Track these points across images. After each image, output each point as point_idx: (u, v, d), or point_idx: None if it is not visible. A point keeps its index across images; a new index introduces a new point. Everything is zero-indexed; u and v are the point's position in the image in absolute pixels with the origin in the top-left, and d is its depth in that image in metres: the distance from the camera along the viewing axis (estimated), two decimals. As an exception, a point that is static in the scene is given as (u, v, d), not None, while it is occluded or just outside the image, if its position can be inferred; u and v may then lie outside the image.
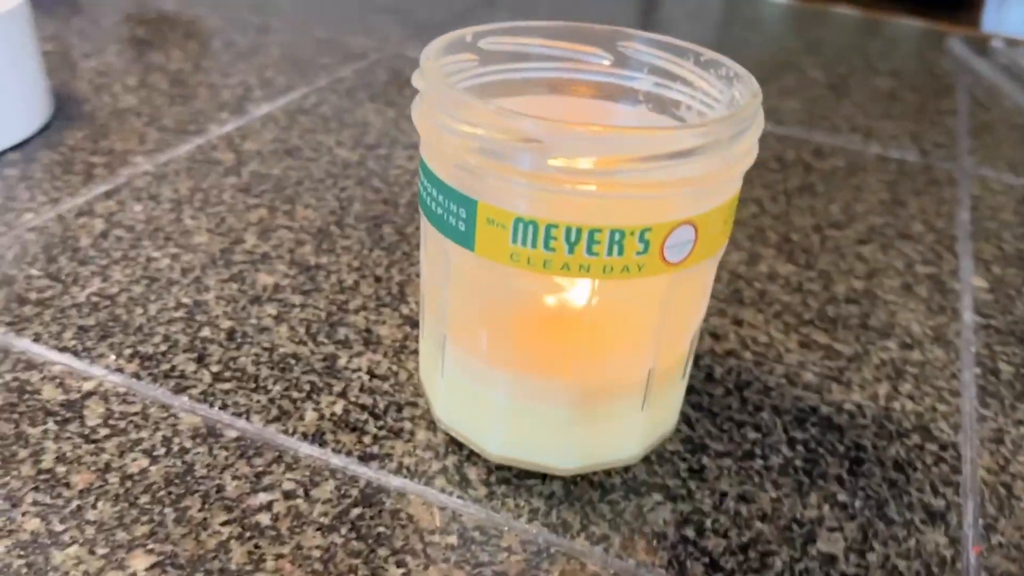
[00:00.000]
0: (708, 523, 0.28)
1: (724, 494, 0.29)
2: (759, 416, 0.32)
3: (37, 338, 0.33)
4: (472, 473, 0.29)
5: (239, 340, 0.34)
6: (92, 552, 0.25)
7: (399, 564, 0.25)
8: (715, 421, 0.32)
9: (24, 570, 0.24)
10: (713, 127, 0.23)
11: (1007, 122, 0.62)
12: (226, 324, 0.35)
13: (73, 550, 0.25)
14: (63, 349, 0.32)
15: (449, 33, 0.28)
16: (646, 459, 0.30)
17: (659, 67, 0.30)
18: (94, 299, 0.35)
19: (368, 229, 0.42)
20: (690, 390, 0.33)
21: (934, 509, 0.29)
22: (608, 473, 0.29)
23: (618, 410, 0.28)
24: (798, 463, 0.30)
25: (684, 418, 0.32)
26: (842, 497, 0.29)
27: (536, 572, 0.25)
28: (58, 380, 0.31)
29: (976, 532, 0.28)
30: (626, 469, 0.29)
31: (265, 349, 0.33)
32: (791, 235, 0.45)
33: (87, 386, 0.31)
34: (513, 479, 0.29)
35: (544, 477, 0.29)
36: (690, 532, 0.27)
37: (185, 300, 0.36)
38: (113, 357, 0.32)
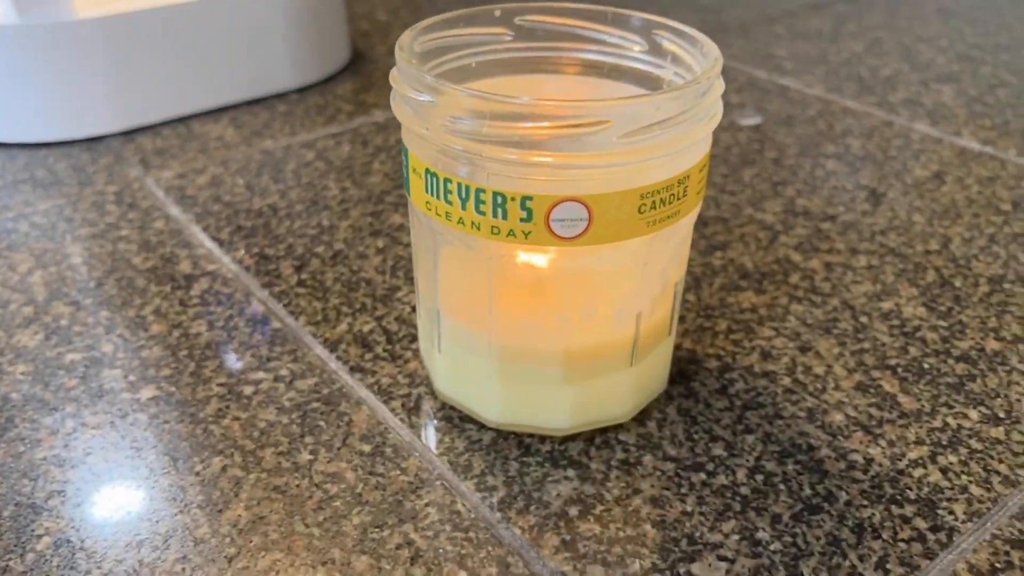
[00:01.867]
0: (599, 509, 0.28)
1: (639, 491, 0.28)
2: (741, 438, 0.30)
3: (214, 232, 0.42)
4: (427, 405, 0.32)
5: (337, 260, 0.40)
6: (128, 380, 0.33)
7: (312, 452, 0.30)
8: (689, 428, 0.31)
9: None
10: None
11: None
12: (338, 246, 0.41)
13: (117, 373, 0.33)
14: (214, 239, 0.41)
15: (481, 7, 0.31)
16: (584, 436, 0.30)
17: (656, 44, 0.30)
18: (266, 211, 0.44)
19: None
20: (689, 394, 0.32)
21: (861, 580, 0.26)
22: (541, 439, 0.30)
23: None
24: (743, 491, 0.28)
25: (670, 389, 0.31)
26: (760, 535, 0.27)
27: (407, 496, 0.28)
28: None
29: None
30: (544, 439, 0.30)
31: (353, 271, 0.39)
32: (941, 271, 0.39)
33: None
34: (457, 419, 0.31)
35: (481, 426, 0.31)
36: (573, 510, 0.28)
37: (325, 222, 0.43)
38: (242, 251, 0.40)
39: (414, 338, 0.35)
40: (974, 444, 0.30)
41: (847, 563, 0.26)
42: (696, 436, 0.30)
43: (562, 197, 0.25)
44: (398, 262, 0.40)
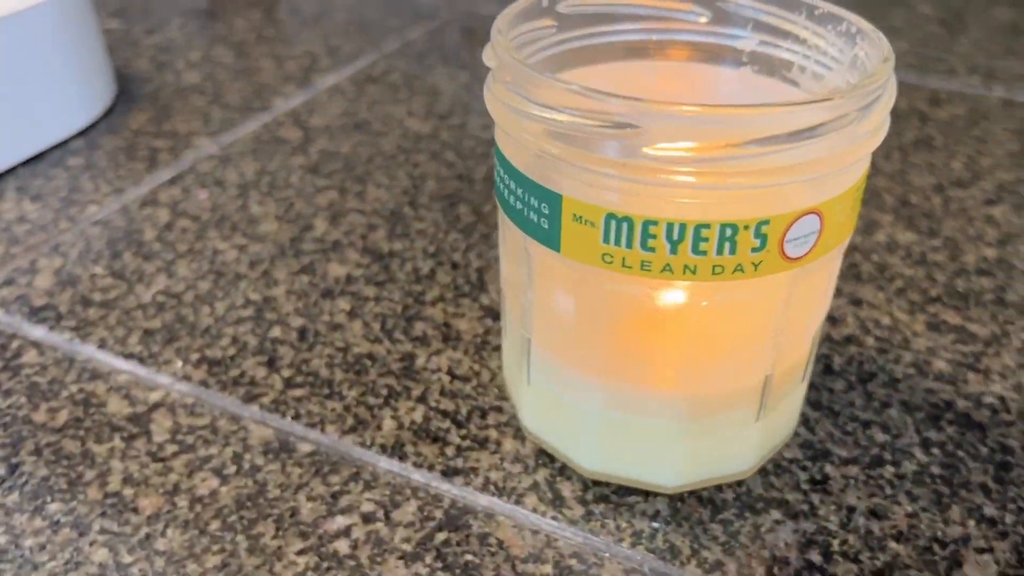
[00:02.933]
0: (835, 544, 0.24)
1: (852, 509, 0.25)
2: (887, 414, 0.29)
3: (103, 344, 0.31)
4: (566, 489, 0.26)
5: (311, 340, 0.32)
6: (161, 588, 0.23)
7: (489, 599, 0.23)
8: (837, 421, 0.28)
9: (90, 610, 0.23)
10: (840, 100, 0.20)
11: None
12: (297, 322, 0.32)
13: (141, 586, 0.23)
14: (128, 356, 0.31)
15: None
16: (761, 469, 0.27)
17: (765, 23, 0.26)
18: (160, 299, 0.33)
19: (443, 209, 0.39)
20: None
21: (1101, 524, 0.25)
22: (719, 488, 0.26)
23: (730, 421, 0.24)
24: (935, 470, 0.27)
25: (802, 419, 0.28)
26: (989, 511, 0.25)
27: (642, 608, 0.23)
28: (124, 391, 0.29)
29: None
30: (739, 483, 0.26)
31: (339, 349, 0.31)
32: (910, 197, 0.40)
33: (153, 397, 0.29)
34: (612, 496, 0.26)
35: (647, 494, 0.26)
36: (815, 556, 0.24)
37: (254, 296, 0.34)
38: (180, 363, 0.30)
39: (483, 412, 0.29)
40: (1059, 353, 0.31)
41: (1081, 512, 0.25)
42: (848, 428, 0.28)
43: (801, 212, 0.21)
44: (384, 322, 0.32)
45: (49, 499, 0.26)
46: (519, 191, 0.22)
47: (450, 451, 0.27)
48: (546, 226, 0.22)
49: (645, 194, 0.20)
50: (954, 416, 0.29)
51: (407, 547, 0.24)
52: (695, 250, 0.20)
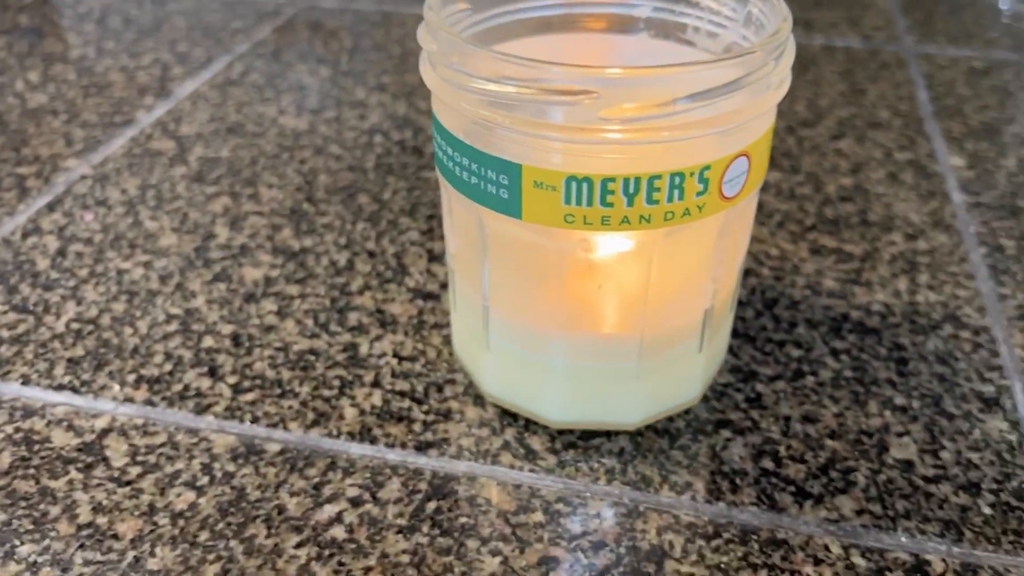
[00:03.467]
0: (782, 451, 0.27)
1: (788, 418, 0.28)
2: (795, 332, 0.32)
3: (26, 380, 0.30)
4: (535, 443, 0.28)
5: (247, 344, 0.31)
6: (168, 605, 0.23)
7: (494, 553, 0.24)
8: (756, 345, 0.31)
9: (100, 639, 0.22)
10: (760, 53, 0.22)
11: (932, -6, 0.63)
12: (227, 329, 0.32)
13: (146, 607, 0.23)
14: (60, 387, 0.30)
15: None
16: (704, 397, 0.29)
17: (656, -10, 0.28)
18: (75, 326, 0.32)
19: (343, 202, 0.39)
20: (722, 317, 0.32)
21: (987, 396, 0.29)
22: (670, 419, 0.28)
23: (680, 355, 0.27)
24: (847, 373, 0.30)
25: (728, 346, 0.31)
26: (899, 400, 0.29)
27: (634, 533, 0.25)
28: (66, 423, 0.28)
29: (1032, 412, 0.29)
30: (687, 411, 0.29)
31: (278, 349, 0.31)
32: (768, 141, 0.44)
33: (99, 424, 0.28)
34: (578, 442, 0.28)
35: (608, 435, 0.28)
36: (768, 463, 0.27)
37: (174, 310, 0.33)
38: (117, 387, 0.30)
39: (439, 387, 0.30)
40: (922, 260, 0.36)
41: (965, 389, 0.29)
42: (767, 349, 0.31)
43: (734, 155, 0.23)
44: (316, 316, 0.33)
45: (18, 542, 0.25)
46: (472, 165, 0.24)
47: (417, 427, 0.28)
48: (505, 196, 0.23)
49: (601, 154, 0.22)
50: (852, 326, 0.32)
51: (402, 521, 0.25)
52: (649, 200, 0.22)
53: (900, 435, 0.28)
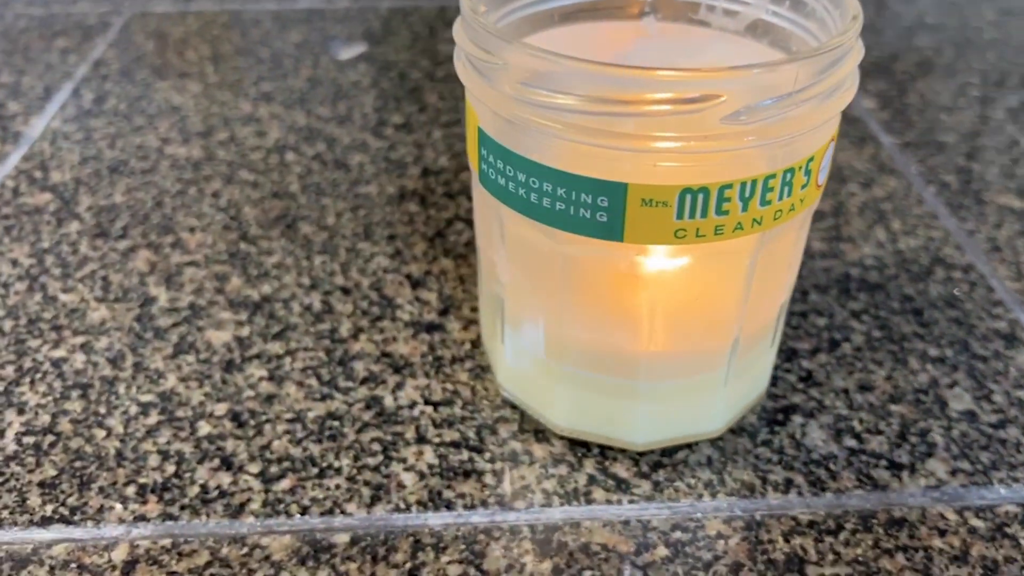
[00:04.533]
0: (857, 426, 0.27)
1: (846, 391, 0.28)
2: (810, 300, 0.32)
3: (-3, 522, 0.24)
4: (621, 470, 0.26)
5: (251, 422, 0.27)
6: None
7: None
8: (782, 320, 0.31)
9: None
10: (854, 50, 0.21)
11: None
12: (220, 408, 0.28)
13: None
14: (46, 521, 0.24)
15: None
16: (763, 385, 0.28)
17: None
18: (28, 439, 0.27)
19: (283, 234, 0.35)
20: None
21: (1003, 332, 0.31)
22: (741, 416, 0.27)
23: (759, 352, 0.26)
24: (876, 333, 0.30)
25: (758, 329, 0.30)
26: (932, 351, 0.30)
27: (764, 546, 0.24)
28: (73, 564, 0.23)
29: (1049, 340, 0.30)
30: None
31: (291, 420, 0.27)
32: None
33: (118, 555, 0.23)
34: (663, 459, 0.26)
35: (690, 445, 0.26)
36: (851, 442, 0.27)
37: (146, 397, 0.28)
38: (119, 505, 0.25)
39: (492, 428, 0.27)
40: (885, 206, 0.37)
41: (983, 328, 0.31)
42: (794, 323, 0.31)
43: (828, 142, 0.22)
44: (317, 374, 0.29)
45: None
46: (559, 191, 0.21)
47: (488, 479, 0.25)
48: (604, 219, 0.21)
49: (720, 162, 0.20)
50: (857, 284, 0.33)
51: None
52: (763, 202, 0.21)
53: (951, 387, 0.28)
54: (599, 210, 0.21)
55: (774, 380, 0.29)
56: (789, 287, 0.25)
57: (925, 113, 0.43)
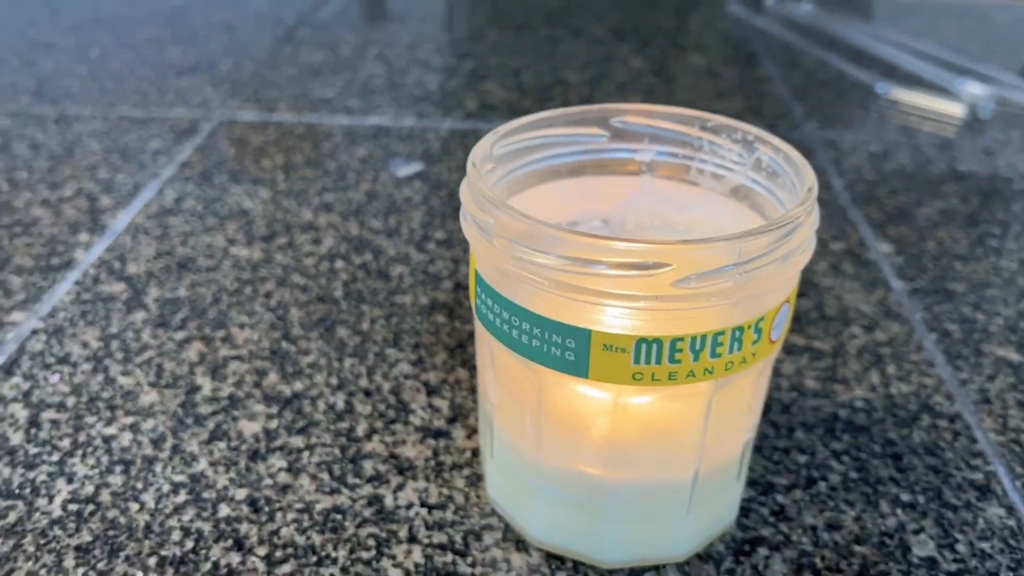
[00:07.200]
0: (818, 562, 0.29)
1: (814, 528, 0.30)
2: (796, 437, 0.34)
3: (35, 578, 0.28)
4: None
5: (266, 509, 0.30)
6: None
7: None
8: (763, 454, 0.33)
9: None
10: (808, 218, 0.24)
11: (816, 80, 0.68)
12: (241, 494, 0.31)
13: None
14: (76, 583, 0.28)
15: (475, 147, 0.26)
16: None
17: (659, 136, 0.30)
18: (73, 507, 0.30)
19: (322, 336, 0.39)
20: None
21: (978, 483, 0.32)
22: (710, 543, 0.29)
23: (723, 484, 0.28)
24: (853, 475, 0.32)
25: (740, 461, 0.32)
26: (905, 496, 0.31)
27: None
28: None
29: (1021, 496, 0.31)
30: (721, 533, 0.30)
31: (300, 511, 0.30)
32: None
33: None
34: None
35: (657, 568, 0.29)
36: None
37: (178, 478, 0.32)
38: (140, 574, 0.28)
39: (477, 535, 0.30)
40: (884, 351, 0.38)
41: (958, 478, 0.32)
42: (775, 457, 0.33)
43: (780, 304, 0.25)
44: (330, 469, 0.32)
45: None
46: (535, 330, 0.24)
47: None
48: (571, 358, 0.24)
49: (671, 318, 0.23)
50: (843, 425, 0.34)
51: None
52: (712, 354, 0.24)
53: (916, 532, 0.30)
54: (567, 350, 0.24)
55: (747, 511, 0.31)
56: (751, 428, 0.28)
57: (940, 260, 0.45)
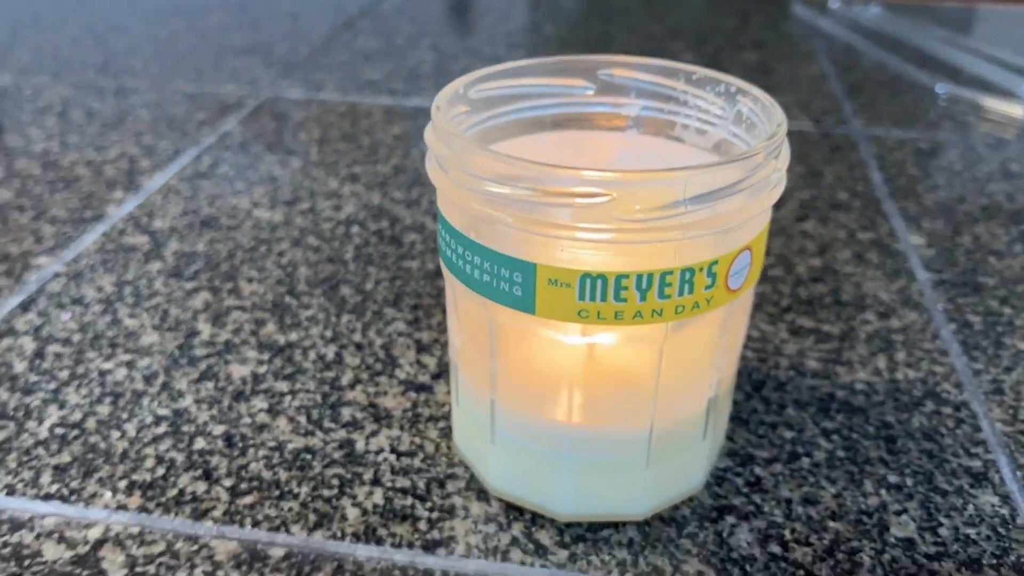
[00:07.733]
0: (787, 534, 0.28)
1: (789, 501, 0.29)
2: (785, 414, 0.33)
3: (11, 490, 0.29)
4: (544, 537, 0.27)
5: (240, 445, 0.31)
6: None
7: (514, 655, 0.24)
8: (749, 428, 0.32)
9: None
10: (761, 154, 0.23)
11: (873, 79, 0.66)
12: (219, 429, 0.32)
13: None
14: (47, 497, 0.29)
15: (443, 90, 0.26)
16: (705, 483, 0.29)
17: (645, 90, 0.29)
18: (59, 431, 0.31)
19: (325, 294, 0.39)
20: (713, 401, 0.33)
21: (975, 471, 0.30)
22: (676, 506, 0.29)
23: (685, 444, 0.27)
24: (840, 453, 0.31)
25: (722, 431, 0.32)
26: (892, 478, 0.30)
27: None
28: (56, 535, 0.27)
29: (1021, 486, 0.30)
30: (690, 498, 0.29)
31: (272, 449, 0.31)
32: (736, 224, 0.45)
33: (93, 534, 0.27)
34: (587, 534, 0.28)
35: (616, 526, 0.28)
36: (775, 547, 0.27)
37: (162, 411, 0.32)
38: (109, 494, 0.29)
39: (440, 482, 0.29)
40: (896, 337, 0.37)
41: (954, 465, 0.30)
42: (760, 432, 0.32)
43: (739, 250, 0.24)
44: (308, 413, 0.32)
45: (13, 667, 0.23)
46: (484, 263, 0.24)
47: (423, 525, 0.28)
48: (519, 293, 0.24)
49: (615, 252, 0.23)
50: (838, 405, 0.33)
51: (418, 625, 0.25)
52: (661, 295, 0.23)
53: (898, 513, 0.29)
54: (515, 284, 0.24)
55: (721, 480, 0.30)
56: (716, 385, 0.27)
57: (973, 255, 0.43)
